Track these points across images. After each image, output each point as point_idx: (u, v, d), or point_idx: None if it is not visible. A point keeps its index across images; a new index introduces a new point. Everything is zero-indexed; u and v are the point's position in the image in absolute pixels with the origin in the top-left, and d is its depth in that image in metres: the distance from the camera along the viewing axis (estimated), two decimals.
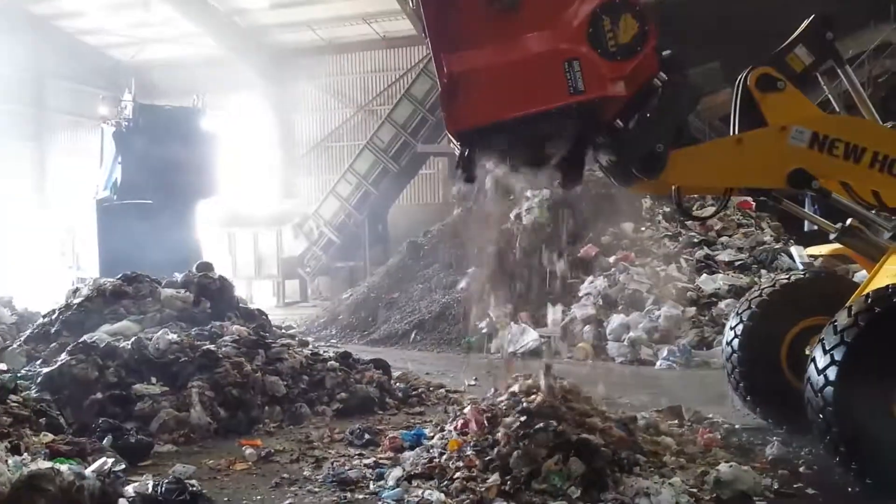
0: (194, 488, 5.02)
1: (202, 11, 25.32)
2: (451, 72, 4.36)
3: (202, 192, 17.82)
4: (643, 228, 14.12)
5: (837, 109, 6.06)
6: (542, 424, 5.11)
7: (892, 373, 4.49)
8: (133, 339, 7.62)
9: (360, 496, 5.06)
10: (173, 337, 7.73)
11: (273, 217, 23.22)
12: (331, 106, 28.10)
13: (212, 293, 9.26)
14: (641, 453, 5.25)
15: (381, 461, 5.71)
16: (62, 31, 28.04)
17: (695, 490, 4.85)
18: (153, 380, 7.22)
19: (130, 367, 7.31)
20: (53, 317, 8.93)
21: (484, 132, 4.45)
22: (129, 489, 4.89)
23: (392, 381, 8.57)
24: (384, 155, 19.88)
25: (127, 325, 8.30)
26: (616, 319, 11.12)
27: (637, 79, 4.56)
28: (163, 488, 4.91)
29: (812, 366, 4.72)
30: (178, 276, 9.69)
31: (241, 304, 9.75)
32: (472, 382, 8.77)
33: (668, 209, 13.85)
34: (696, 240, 13.27)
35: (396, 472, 5.27)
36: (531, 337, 10.86)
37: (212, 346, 7.64)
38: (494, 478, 4.90)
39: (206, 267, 9.87)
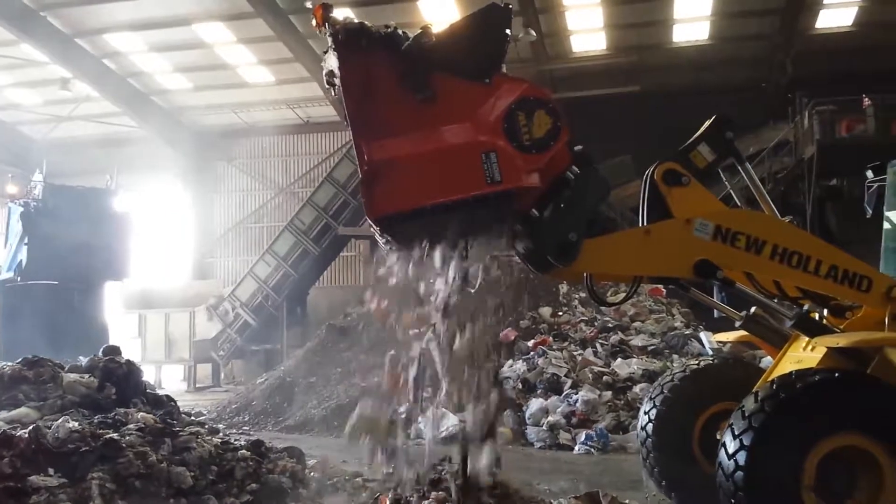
0: None
1: (121, 90, 25.12)
2: (372, 159, 4.43)
3: (111, 274, 17.62)
4: (560, 313, 14.39)
5: (738, 203, 6.41)
6: None
7: (800, 458, 4.62)
8: (31, 428, 7.17)
9: None
10: (74, 425, 7.30)
11: (186, 298, 22.58)
12: (251, 187, 28.01)
13: (118, 378, 8.84)
14: None
15: None
16: None
17: None
18: (51, 471, 6.77)
19: (27, 458, 6.82)
20: None
21: (403, 218, 4.50)
22: None
23: (306, 471, 8.29)
24: (305, 237, 19.77)
25: (25, 412, 7.81)
26: (535, 404, 11.17)
27: (551, 171, 4.73)
28: None
29: (723, 451, 4.83)
30: (83, 361, 9.25)
31: (148, 390, 9.32)
32: (391, 470, 8.56)
33: (583, 294, 14.18)
34: (610, 325, 13.61)
35: None
36: (451, 422, 10.74)
37: (115, 435, 7.24)
38: None
39: (113, 350, 9.47)
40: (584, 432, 10.35)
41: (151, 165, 26.78)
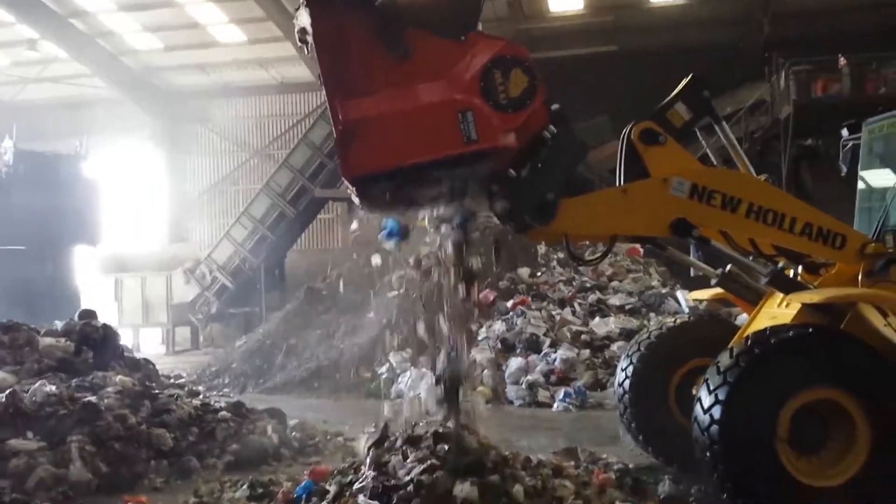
0: None
1: (91, 51, 24.52)
2: (347, 119, 4.38)
3: (82, 240, 17.46)
4: (539, 273, 14.47)
5: (715, 163, 6.43)
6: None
7: (774, 411, 4.71)
8: (8, 392, 7.15)
9: None
10: (52, 389, 7.29)
11: (162, 262, 22.37)
12: (226, 149, 27.61)
13: (94, 342, 8.82)
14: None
15: None
16: None
17: None
18: (29, 435, 6.78)
19: (4, 421, 6.84)
20: None
21: (379, 178, 4.47)
22: None
23: (288, 431, 8.33)
24: (281, 199, 19.57)
25: (2, 377, 7.77)
26: (514, 363, 11.27)
27: (528, 130, 4.71)
28: None
29: (698, 405, 4.91)
30: (59, 325, 9.20)
31: (126, 354, 9.31)
32: (371, 429, 8.62)
33: (562, 255, 14.26)
34: (588, 284, 13.71)
35: None
36: (430, 381, 10.82)
37: (93, 398, 7.25)
38: None
39: (89, 314, 9.41)
40: (563, 390, 10.48)
41: (122, 128, 26.27)
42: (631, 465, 6.51)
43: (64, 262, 17.20)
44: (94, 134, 23.48)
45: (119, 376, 8.10)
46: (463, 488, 5.02)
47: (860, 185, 6.48)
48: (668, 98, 5.53)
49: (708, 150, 6.51)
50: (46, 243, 16.42)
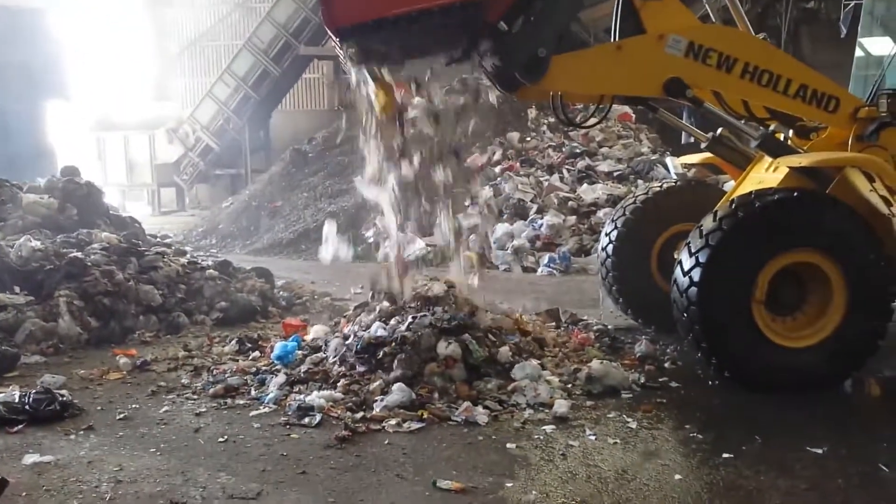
0: (64, 398, 4.85)
1: None
2: None
3: (53, 94, 16.98)
4: (528, 138, 14.29)
5: (715, 22, 6.20)
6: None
7: (752, 274, 4.78)
8: None
9: (241, 402, 5.01)
10: (37, 244, 7.27)
11: (145, 121, 21.87)
12: (206, 1, 26.37)
13: (78, 199, 8.72)
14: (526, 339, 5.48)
15: (262, 368, 5.64)
16: None
17: (569, 386, 5.10)
18: (16, 289, 6.81)
19: None
20: None
21: (365, 29, 4.28)
22: None
23: (275, 290, 8.45)
24: (264, 56, 18.89)
25: None
26: (501, 228, 11.32)
27: None
28: (30, 398, 4.72)
29: (678, 268, 4.98)
30: (41, 182, 9.06)
31: (111, 212, 9.24)
32: (359, 290, 8.77)
33: (552, 120, 14.02)
34: (578, 150, 13.58)
35: (279, 379, 5.24)
36: (418, 246, 10.91)
37: (79, 254, 7.24)
38: (378, 383, 4.97)
39: (72, 171, 9.25)
40: (548, 255, 10.60)
41: None
42: (610, 326, 6.67)
43: (33, 119, 16.81)
44: None
45: (104, 233, 8.07)
46: (447, 346, 5.15)
47: (858, 52, 6.32)
48: None
49: (709, 9, 6.27)
50: (15, 100, 16.01)
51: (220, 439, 4.37)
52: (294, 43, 18.53)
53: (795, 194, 4.91)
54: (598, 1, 14.14)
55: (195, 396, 5.15)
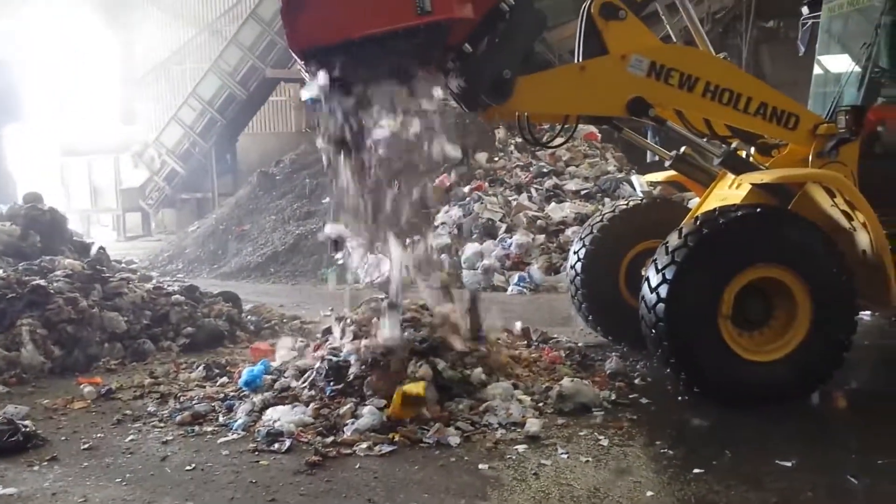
0: (27, 428, 4.74)
1: None
2: None
3: (10, 119, 16.84)
4: (496, 158, 14.37)
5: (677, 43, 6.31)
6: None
7: (718, 289, 4.84)
8: None
9: (209, 429, 4.93)
10: None
11: (110, 145, 21.61)
12: (170, 24, 26.21)
13: (41, 226, 8.59)
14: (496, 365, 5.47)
15: (230, 394, 5.56)
16: None
17: (540, 405, 5.09)
18: None
19: None
20: None
21: (328, 51, 4.28)
22: None
23: (243, 314, 8.35)
24: (231, 79, 18.81)
25: None
26: (470, 248, 11.35)
27: (485, 2, 4.52)
28: None
29: (646, 284, 5.01)
30: (3, 209, 8.92)
31: (75, 238, 9.11)
32: (328, 313, 8.70)
33: (520, 140, 14.13)
34: (545, 169, 13.68)
35: (246, 406, 5.16)
36: (387, 267, 10.86)
37: (42, 282, 7.10)
38: (349, 406, 4.92)
39: (34, 198, 9.12)
40: (517, 274, 10.63)
41: None
42: (580, 344, 6.69)
43: None
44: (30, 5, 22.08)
45: (68, 260, 7.93)
46: (417, 368, 5.12)
47: (816, 69, 6.44)
48: None
49: (670, 30, 6.38)
50: None
51: (188, 468, 4.29)
52: (260, 66, 18.48)
53: (758, 210, 4.99)
54: (563, 22, 14.36)
55: (162, 424, 5.06)
